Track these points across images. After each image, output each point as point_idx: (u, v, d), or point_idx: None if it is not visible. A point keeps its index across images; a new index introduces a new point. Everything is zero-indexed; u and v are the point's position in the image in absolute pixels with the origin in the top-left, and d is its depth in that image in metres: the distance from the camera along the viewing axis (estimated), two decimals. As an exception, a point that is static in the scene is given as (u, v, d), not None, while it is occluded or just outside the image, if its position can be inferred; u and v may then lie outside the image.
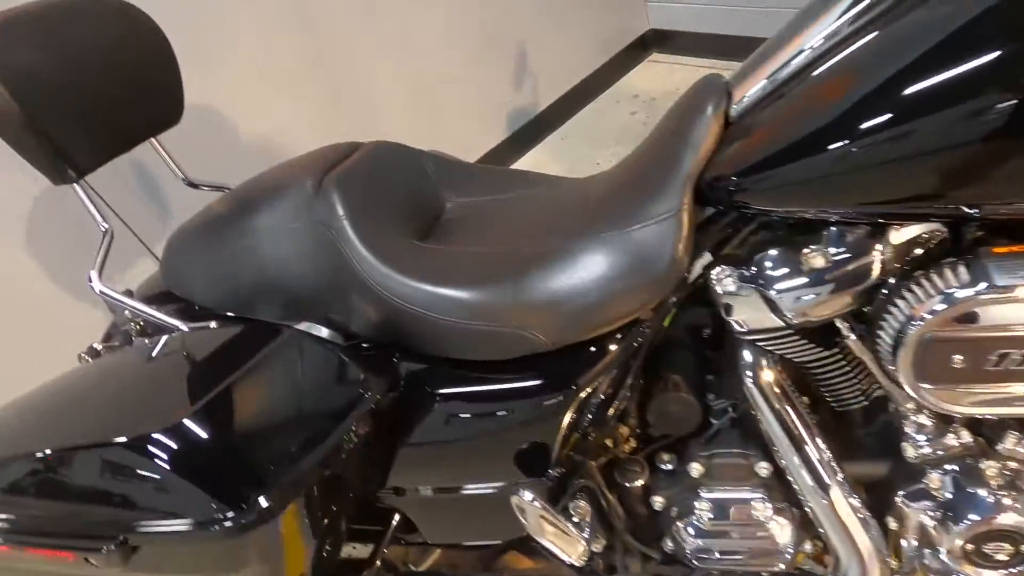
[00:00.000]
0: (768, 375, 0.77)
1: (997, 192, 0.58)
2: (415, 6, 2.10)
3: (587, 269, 0.73)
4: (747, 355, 0.78)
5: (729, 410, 0.85)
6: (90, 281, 0.91)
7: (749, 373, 0.78)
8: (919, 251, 0.64)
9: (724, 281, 0.73)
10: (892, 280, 0.66)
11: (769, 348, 0.77)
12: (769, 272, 0.70)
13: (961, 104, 0.55)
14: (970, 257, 0.60)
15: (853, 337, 0.71)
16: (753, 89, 0.70)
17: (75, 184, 0.91)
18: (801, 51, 0.67)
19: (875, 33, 0.61)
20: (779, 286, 0.69)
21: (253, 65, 1.78)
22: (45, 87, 0.84)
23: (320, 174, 0.84)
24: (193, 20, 1.62)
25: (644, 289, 0.72)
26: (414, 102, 2.19)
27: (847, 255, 0.66)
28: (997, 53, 0.54)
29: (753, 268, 0.72)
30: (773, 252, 0.70)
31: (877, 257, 0.65)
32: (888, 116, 0.58)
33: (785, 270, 0.69)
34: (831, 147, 0.61)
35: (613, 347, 0.78)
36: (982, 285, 0.58)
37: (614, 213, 0.75)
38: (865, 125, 0.59)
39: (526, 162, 2.53)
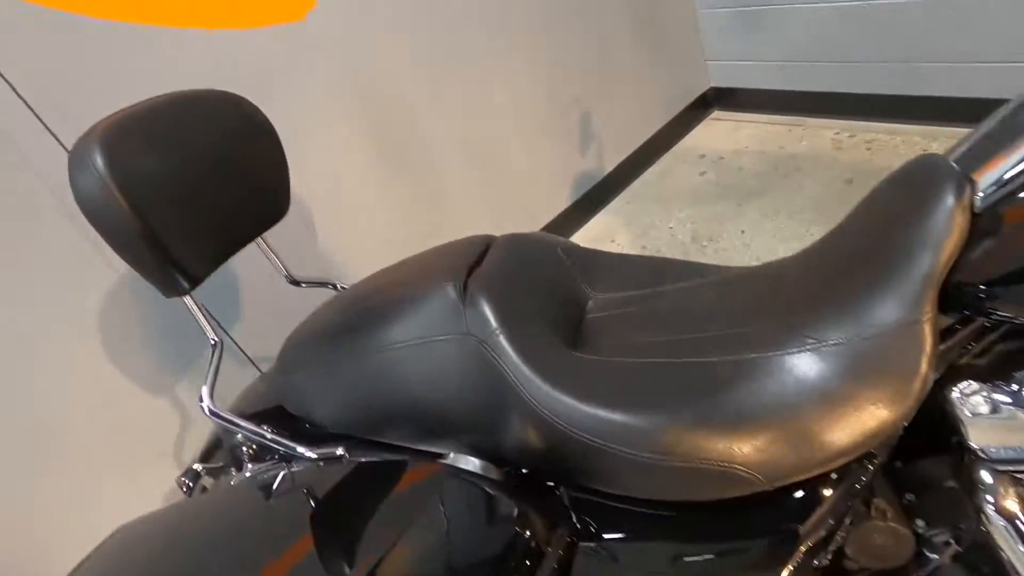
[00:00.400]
0: (1014, 503, 0.64)
1: None
2: (480, 78, 2.06)
3: (814, 388, 0.61)
4: (986, 478, 0.65)
5: (952, 542, 0.72)
6: (201, 401, 0.82)
7: (990, 499, 0.65)
8: None
9: (971, 400, 0.61)
10: None
11: (1019, 475, 0.64)
12: None
13: None
14: None
15: None
16: (998, 173, 0.60)
17: (187, 296, 0.83)
18: None
19: None
20: None
21: (327, 145, 1.74)
22: (162, 196, 0.77)
23: (461, 277, 0.75)
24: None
25: (885, 412, 0.60)
26: (480, 172, 2.13)
27: None
28: None
29: (1013, 385, 0.60)
30: None
31: None
32: None
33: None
34: None
35: (840, 484, 0.65)
36: None
37: (831, 317, 0.63)
38: None
39: (595, 227, 2.44)
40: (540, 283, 0.81)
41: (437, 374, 0.72)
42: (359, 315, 0.80)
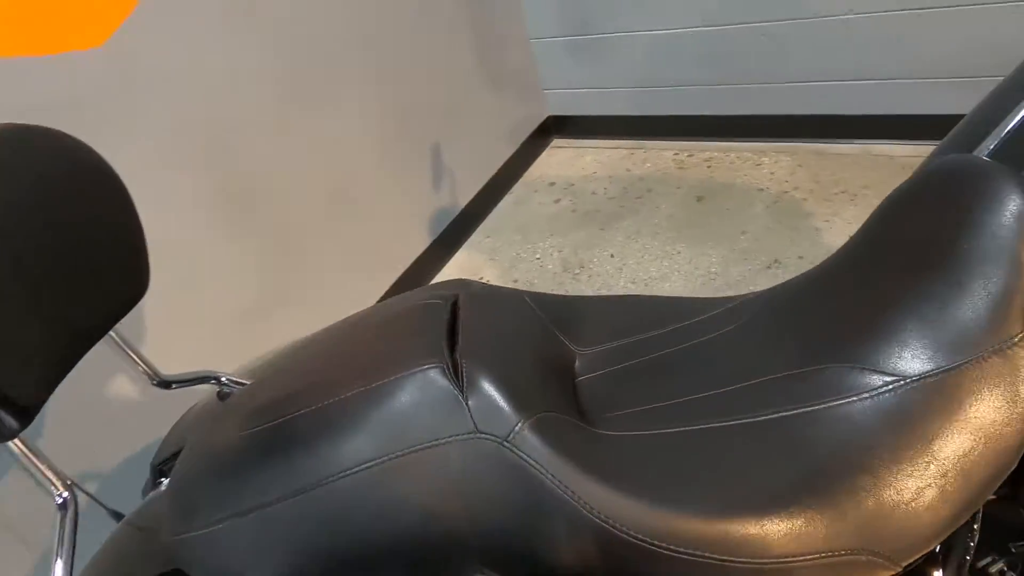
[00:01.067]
0: None
1: None
2: (330, 121, 1.84)
3: (915, 435, 0.51)
4: None
5: None
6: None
7: None
8: None
9: None
10: None
11: None
12: None
13: None
14: None
15: None
16: None
17: (14, 440, 0.55)
18: None
19: None
20: None
21: (161, 198, 1.42)
22: None
23: (445, 356, 0.57)
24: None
25: (998, 450, 0.52)
26: (337, 220, 1.90)
27: None
28: None
29: None
30: None
31: None
32: None
33: None
34: None
35: (964, 544, 0.57)
36: None
37: (904, 347, 0.54)
38: None
39: (460, 265, 2.30)
40: (530, 349, 0.64)
41: (440, 494, 0.53)
42: (295, 427, 0.58)
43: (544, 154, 2.77)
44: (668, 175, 2.41)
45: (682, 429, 0.58)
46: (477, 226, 2.46)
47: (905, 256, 0.60)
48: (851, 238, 0.68)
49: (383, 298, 2.08)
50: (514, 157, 2.63)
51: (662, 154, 2.52)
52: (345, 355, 0.63)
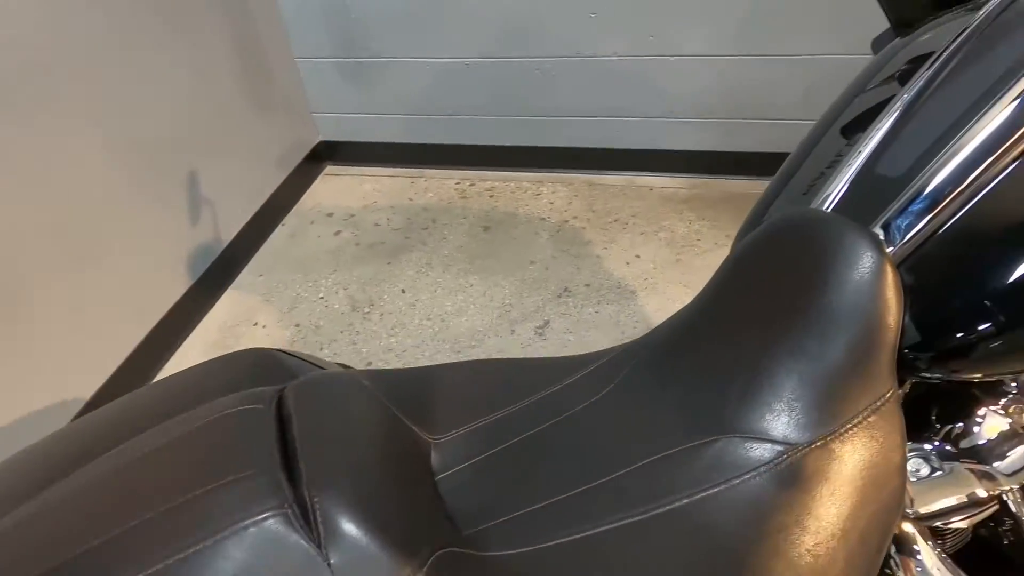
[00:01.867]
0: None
1: None
2: (62, 151, 1.48)
3: (818, 506, 0.49)
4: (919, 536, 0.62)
5: None
6: None
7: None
8: None
9: (911, 464, 0.58)
10: None
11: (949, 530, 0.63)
12: (976, 442, 0.57)
13: None
14: None
15: None
16: (893, 215, 0.57)
17: None
18: (945, 158, 0.56)
19: None
20: (996, 454, 0.57)
21: None
22: None
23: (282, 482, 0.42)
24: None
25: (883, 509, 0.52)
26: (73, 272, 1.53)
27: None
28: None
29: (950, 444, 0.58)
30: (972, 419, 0.58)
31: None
32: None
33: (994, 435, 0.57)
34: None
35: None
36: None
37: (789, 415, 0.52)
38: None
39: (227, 310, 2.01)
40: (388, 456, 0.51)
41: None
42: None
43: (318, 182, 2.56)
44: (452, 205, 2.36)
45: (579, 536, 0.50)
46: (246, 263, 2.18)
47: (767, 311, 0.59)
48: (706, 288, 0.66)
49: (131, 360, 1.72)
50: (284, 185, 2.40)
51: (444, 183, 2.47)
52: (124, 496, 0.45)
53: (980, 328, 0.53)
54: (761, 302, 0.60)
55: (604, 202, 2.29)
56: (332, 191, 2.51)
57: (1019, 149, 0.54)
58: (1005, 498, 0.63)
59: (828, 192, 0.62)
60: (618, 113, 2.28)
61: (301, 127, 2.50)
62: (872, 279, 0.54)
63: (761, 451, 0.52)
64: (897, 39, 0.85)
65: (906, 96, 0.62)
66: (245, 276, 2.14)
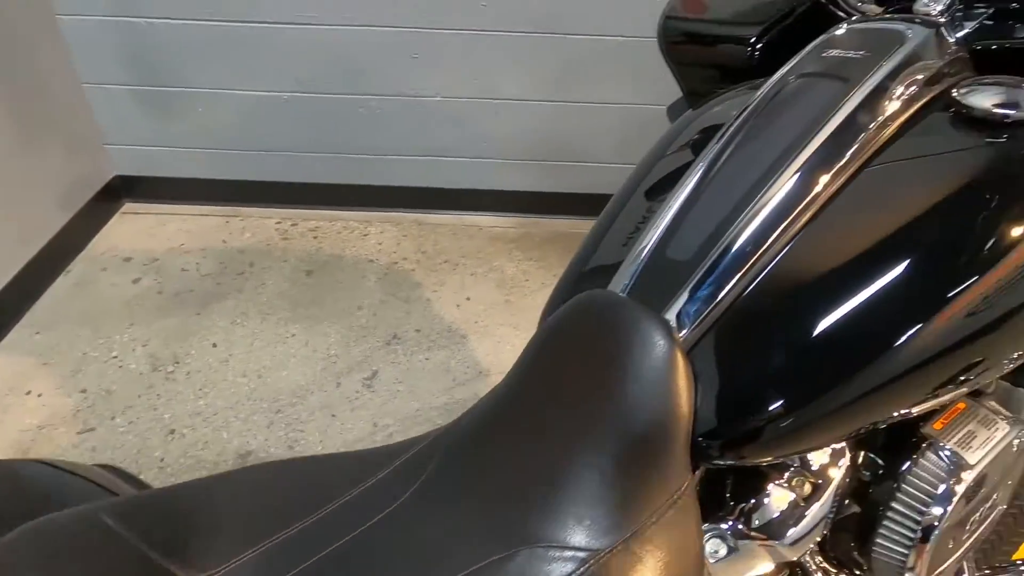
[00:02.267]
0: None
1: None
2: None
3: None
4: None
5: None
6: None
7: None
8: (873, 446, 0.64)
9: (708, 545, 0.58)
10: (873, 483, 0.63)
11: None
12: (765, 518, 0.58)
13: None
14: (928, 442, 0.62)
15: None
16: (683, 300, 0.57)
17: None
18: (734, 231, 0.57)
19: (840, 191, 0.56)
20: (782, 527, 0.58)
21: None
22: None
23: None
24: None
25: None
26: None
27: (827, 471, 0.61)
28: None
29: (742, 523, 0.59)
30: (761, 495, 0.59)
31: (846, 464, 0.62)
32: (913, 303, 0.54)
33: (780, 509, 0.59)
34: (849, 365, 0.54)
35: None
36: (964, 471, 0.60)
37: (591, 519, 0.50)
38: (889, 321, 0.54)
39: (-9, 378, 1.70)
40: None
41: None
42: None
43: (114, 222, 2.28)
44: (272, 247, 2.21)
45: None
46: (17, 320, 1.87)
47: (568, 403, 0.57)
48: (513, 369, 0.63)
49: None
50: (70, 227, 2.11)
51: (263, 223, 2.30)
52: None
53: (766, 411, 0.54)
54: (562, 393, 0.58)
55: (434, 242, 2.26)
56: (130, 232, 2.24)
57: (793, 230, 0.57)
58: (805, 562, 0.66)
59: (624, 273, 0.61)
60: (444, 153, 2.26)
61: (91, 160, 2.22)
62: (664, 369, 0.54)
63: (564, 561, 0.49)
64: (689, 110, 0.89)
65: (695, 172, 0.64)
66: (16, 335, 1.84)
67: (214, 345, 1.83)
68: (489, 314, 1.97)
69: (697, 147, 0.72)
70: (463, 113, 2.18)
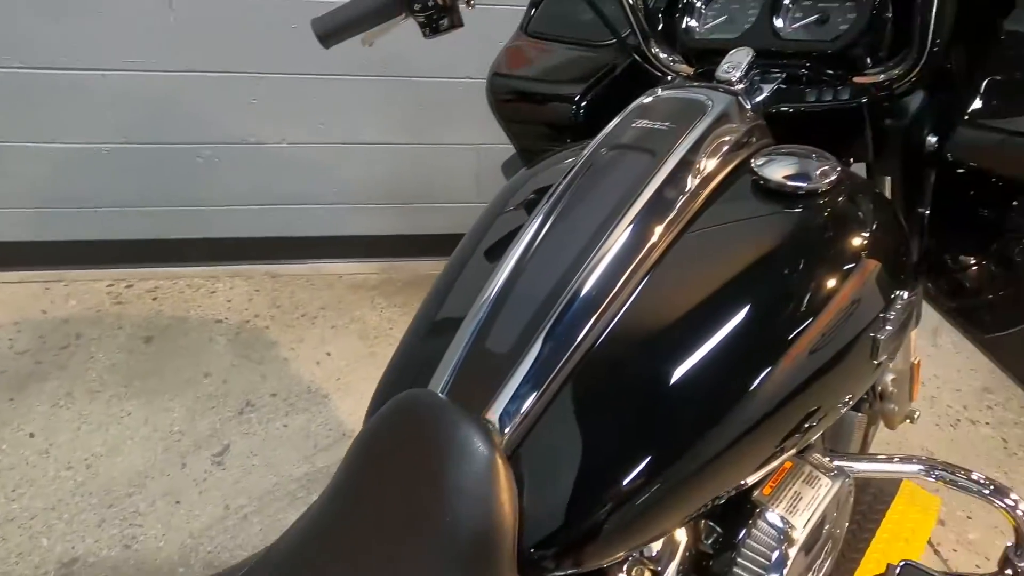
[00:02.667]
0: None
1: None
2: None
3: None
4: None
5: None
6: None
7: None
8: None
9: None
10: (714, 555, 0.61)
11: None
12: None
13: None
14: (758, 509, 0.62)
15: None
16: (503, 398, 0.53)
17: None
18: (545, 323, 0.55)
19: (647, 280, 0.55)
20: None
21: None
22: None
23: None
24: None
25: None
26: None
27: (667, 552, 0.59)
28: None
29: None
30: None
31: (685, 540, 0.60)
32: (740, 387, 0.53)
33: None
34: (680, 448, 0.52)
35: None
36: (794, 533, 0.60)
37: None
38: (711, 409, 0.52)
39: None
40: None
41: None
42: None
43: (-97, 297, 1.98)
44: (103, 314, 1.99)
45: None
46: None
47: (382, 524, 0.51)
48: (326, 490, 0.56)
49: None
50: None
51: (92, 287, 2.08)
52: None
53: (598, 511, 0.51)
54: (381, 511, 0.52)
55: (290, 295, 2.13)
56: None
57: (610, 316, 0.55)
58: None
59: (445, 368, 0.57)
60: (295, 200, 2.15)
61: None
62: (485, 479, 0.50)
63: None
64: (523, 168, 0.87)
65: (512, 255, 0.61)
66: None
67: (31, 435, 1.61)
68: (352, 369, 1.87)
69: (528, 208, 0.69)
70: (313, 159, 2.08)
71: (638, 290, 0.56)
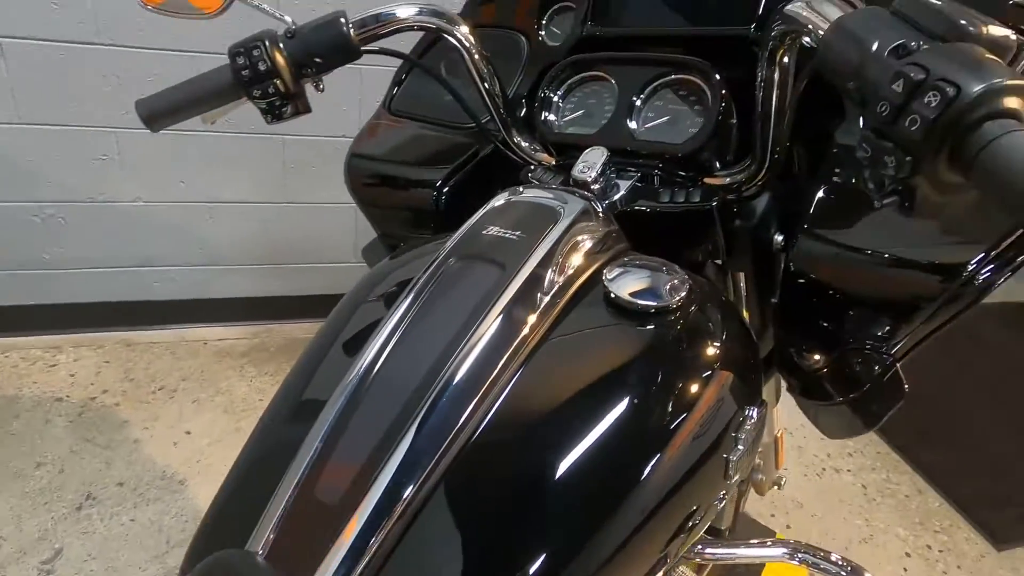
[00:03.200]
0: None
1: None
2: None
3: None
4: None
5: None
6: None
7: None
8: None
9: None
10: None
11: None
12: None
13: None
14: None
15: None
16: (331, 563, 0.47)
17: None
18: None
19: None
20: None
21: None
22: None
23: None
24: None
25: None
26: None
27: None
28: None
29: None
30: None
31: None
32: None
33: None
34: None
35: None
36: None
37: None
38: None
39: None
40: None
41: None
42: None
43: None
44: (-87, 396, 1.73)
45: None
46: None
47: None
48: None
49: None
50: None
51: (-99, 364, 1.81)
52: None
53: None
54: None
55: (146, 366, 1.95)
56: None
57: (451, 456, 0.50)
58: None
59: (266, 524, 0.49)
60: (152, 262, 1.98)
61: None
62: None
63: None
64: (387, 257, 0.81)
65: (345, 390, 0.54)
66: None
67: None
68: (214, 449, 1.72)
69: (391, 299, 0.63)
70: (172, 218, 1.93)
71: (483, 423, 0.52)
